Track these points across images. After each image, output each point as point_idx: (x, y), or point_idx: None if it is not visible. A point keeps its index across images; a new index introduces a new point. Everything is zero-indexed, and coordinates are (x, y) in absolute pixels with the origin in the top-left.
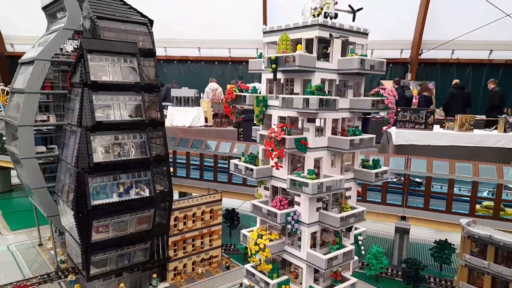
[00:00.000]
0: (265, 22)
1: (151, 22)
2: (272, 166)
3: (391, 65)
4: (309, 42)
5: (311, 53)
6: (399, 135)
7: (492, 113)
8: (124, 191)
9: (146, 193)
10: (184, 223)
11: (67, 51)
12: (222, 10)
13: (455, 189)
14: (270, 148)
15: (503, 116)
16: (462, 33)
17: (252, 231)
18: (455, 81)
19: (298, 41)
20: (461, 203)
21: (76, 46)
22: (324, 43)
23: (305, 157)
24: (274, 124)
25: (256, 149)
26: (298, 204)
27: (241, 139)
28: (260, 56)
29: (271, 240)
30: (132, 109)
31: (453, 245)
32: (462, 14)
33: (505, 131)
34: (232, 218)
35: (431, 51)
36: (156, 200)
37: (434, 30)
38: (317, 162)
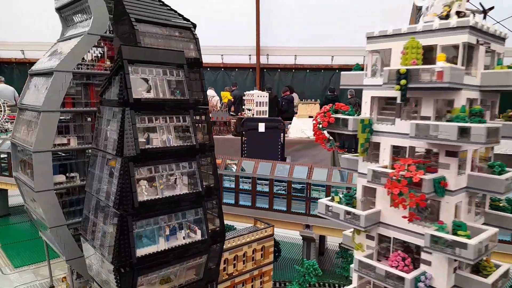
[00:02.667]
0: (258, 28)
1: (194, 26)
2: (405, 218)
3: None
4: (445, 49)
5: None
6: None
7: None
8: (169, 233)
9: (198, 235)
10: (234, 266)
11: (88, 61)
12: (214, 16)
13: None
14: (399, 192)
15: None
16: None
17: None
18: None
19: (427, 49)
20: None
21: (100, 54)
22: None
23: (440, 202)
24: (397, 159)
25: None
26: (428, 263)
27: (245, 150)
28: (358, 67)
29: None
30: (178, 132)
31: None
32: None
33: None
34: (274, 251)
35: None
36: (209, 243)
37: None
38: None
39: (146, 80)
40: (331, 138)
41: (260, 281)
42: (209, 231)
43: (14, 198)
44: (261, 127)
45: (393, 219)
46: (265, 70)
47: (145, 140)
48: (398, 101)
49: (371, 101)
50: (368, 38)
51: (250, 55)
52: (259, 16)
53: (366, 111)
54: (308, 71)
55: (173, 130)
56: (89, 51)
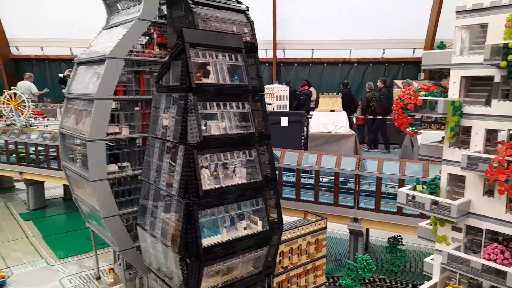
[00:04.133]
0: (274, 22)
1: (247, 8)
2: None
3: (403, 64)
4: None
5: None
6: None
7: None
8: (230, 224)
9: (259, 226)
10: (289, 259)
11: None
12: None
13: None
14: (506, 179)
15: None
16: None
17: None
18: None
19: None
20: None
21: (148, 41)
22: None
23: None
24: (491, 142)
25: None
26: None
27: None
28: (442, 45)
29: None
30: (236, 119)
31: None
32: None
33: None
34: None
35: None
36: (270, 234)
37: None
38: None
39: (205, 65)
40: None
41: (314, 275)
42: (274, 222)
43: (49, 191)
44: (284, 121)
45: (486, 209)
46: (281, 64)
47: (204, 128)
48: (497, 80)
49: (461, 82)
50: (458, 12)
51: (266, 49)
52: (276, 10)
53: (454, 93)
54: (325, 65)
55: (233, 117)
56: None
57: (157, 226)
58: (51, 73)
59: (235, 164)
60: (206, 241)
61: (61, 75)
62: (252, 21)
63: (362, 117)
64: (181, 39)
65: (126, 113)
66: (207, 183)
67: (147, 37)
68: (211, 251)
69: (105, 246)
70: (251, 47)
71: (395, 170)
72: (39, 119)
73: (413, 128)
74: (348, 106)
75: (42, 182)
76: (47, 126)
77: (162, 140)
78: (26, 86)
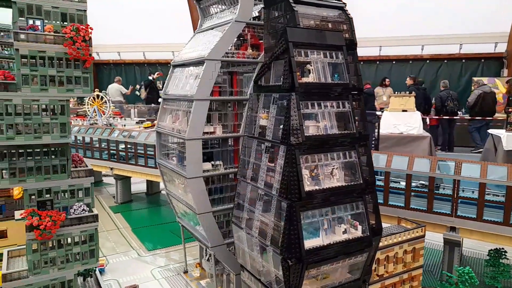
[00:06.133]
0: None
1: (345, 5)
2: None
3: (483, 60)
4: None
5: None
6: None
7: None
8: (328, 227)
9: (359, 231)
10: (384, 267)
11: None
12: None
13: None
14: None
15: None
16: None
17: None
18: None
19: None
20: None
21: (241, 42)
22: None
23: None
24: None
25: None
26: None
27: None
28: None
29: None
30: (335, 119)
31: None
32: None
33: None
34: None
35: None
36: (371, 240)
37: None
38: None
39: (304, 64)
40: None
41: (409, 286)
42: (373, 227)
43: (133, 186)
44: None
45: None
46: None
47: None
48: None
49: None
50: None
51: None
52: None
53: None
54: (394, 62)
55: (334, 116)
56: None
57: (254, 225)
58: (126, 76)
59: (333, 166)
60: (307, 244)
61: (150, 77)
62: (351, 18)
63: (436, 117)
64: (285, 38)
65: (220, 113)
66: (307, 184)
67: (239, 39)
68: (313, 254)
69: (191, 241)
70: (350, 44)
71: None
72: (117, 119)
73: None
74: (422, 106)
75: (129, 178)
76: (124, 125)
77: (259, 139)
78: (115, 88)
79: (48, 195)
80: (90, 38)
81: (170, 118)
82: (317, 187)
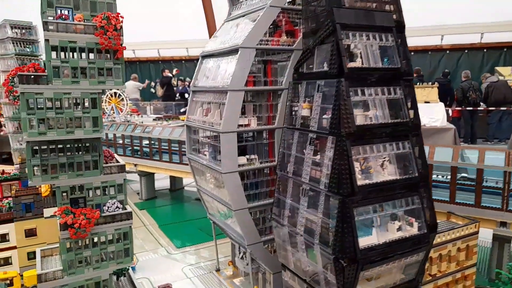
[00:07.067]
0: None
1: None
2: None
3: (505, 49)
4: None
5: None
6: None
7: None
8: (381, 224)
9: (414, 227)
10: (437, 266)
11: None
12: None
13: None
14: None
15: None
16: None
17: None
18: None
19: None
20: None
21: (274, 28)
22: None
23: None
24: None
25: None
26: None
27: None
28: None
29: None
30: (387, 107)
31: None
32: None
33: None
34: None
35: None
36: (429, 238)
37: None
38: None
39: (349, 47)
40: None
41: (462, 285)
42: (429, 224)
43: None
44: None
45: None
46: None
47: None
48: None
49: None
50: None
51: None
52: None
53: None
54: (412, 53)
55: (386, 104)
56: None
57: (299, 222)
58: (142, 73)
59: (384, 158)
60: (361, 242)
61: (165, 74)
62: None
63: (458, 109)
64: (331, 20)
65: (255, 104)
66: (358, 177)
67: (272, 26)
68: (368, 253)
69: (221, 237)
70: (398, 26)
71: None
72: (134, 116)
73: None
74: (444, 98)
75: (153, 174)
76: (142, 122)
77: (302, 131)
78: (132, 85)
79: (80, 192)
80: (122, 27)
81: (200, 111)
82: (368, 181)
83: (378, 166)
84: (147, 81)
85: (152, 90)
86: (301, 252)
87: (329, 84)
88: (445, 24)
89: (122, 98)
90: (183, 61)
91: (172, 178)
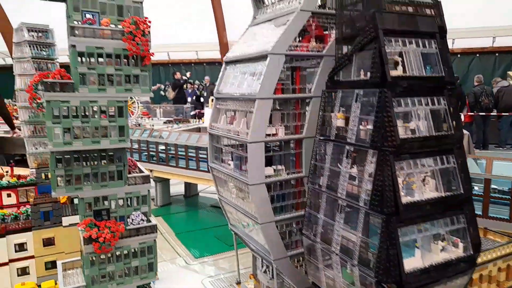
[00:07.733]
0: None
1: None
2: None
3: None
4: None
5: None
6: None
7: None
8: (423, 244)
9: (460, 248)
10: (477, 287)
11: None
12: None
13: None
14: None
15: None
16: None
17: None
18: None
19: None
20: None
21: (302, 33)
22: None
23: None
24: None
25: None
26: None
27: None
28: None
29: None
30: (430, 118)
31: None
32: None
33: None
34: None
35: None
36: (475, 259)
37: None
38: None
39: (392, 54)
40: None
41: None
42: (474, 244)
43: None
44: None
45: None
46: None
47: None
48: None
49: None
50: None
51: None
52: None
53: None
54: None
55: (430, 115)
56: None
57: (334, 240)
58: (152, 76)
59: (425, 173)
60: (406, 265)
61: (183, 77)
62: (440, 1)
63: (471, 114)
64: (373, 25)
65: (283, 113)
66: (401, 194)
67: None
68: (414, 278)
69: (240, 247)
70: (440, 32)
71: None
72: (145, 119)
73: None
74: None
75: (168, 180)
76: (153, 125)
77: (338, 143)
78: None
79: (104, 204)
80: (149, 32)
81: (224, 119)
82: (413, 199)
83: (419, 182)
84: (158, 85)
85: (162, 93)
86: (336, 272)
87: (369, 93)
88: (456, 27)
89: (134, 101)
90: (192, 64)
91: (187, 184)
